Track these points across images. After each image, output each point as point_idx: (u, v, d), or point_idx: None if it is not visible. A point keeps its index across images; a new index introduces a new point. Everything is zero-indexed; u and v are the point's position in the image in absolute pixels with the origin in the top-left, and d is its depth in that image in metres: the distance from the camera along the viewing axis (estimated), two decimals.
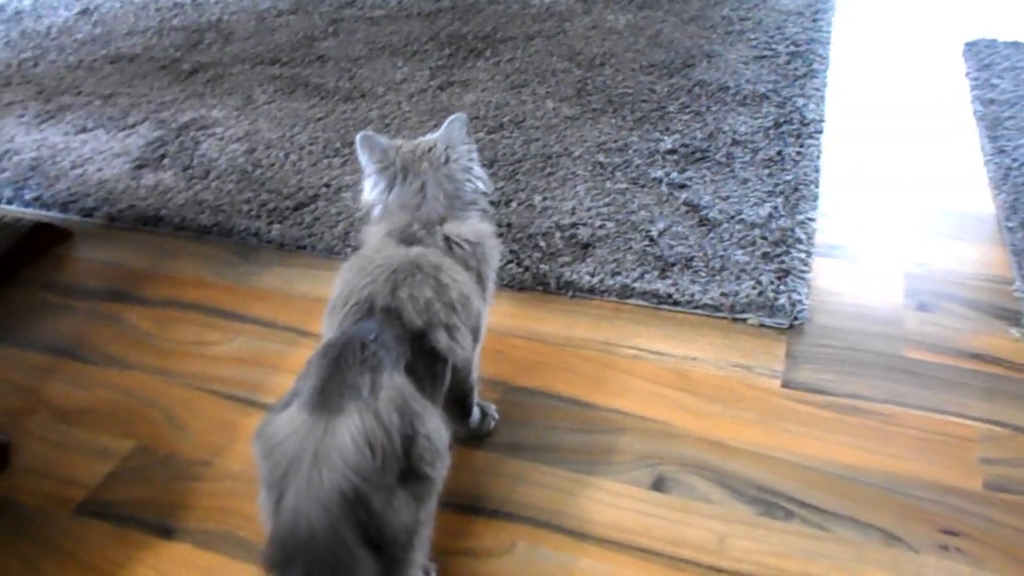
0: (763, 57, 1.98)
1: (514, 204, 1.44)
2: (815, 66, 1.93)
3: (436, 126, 1.60)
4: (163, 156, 1.63)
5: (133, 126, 1.76)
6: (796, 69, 1.91)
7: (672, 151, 1.59)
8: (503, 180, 1.51)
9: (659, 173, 1.51)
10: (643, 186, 1.48)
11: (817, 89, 1.83)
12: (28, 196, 1.51)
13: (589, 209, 1.41)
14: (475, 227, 0.90)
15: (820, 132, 1.66)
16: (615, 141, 1.63)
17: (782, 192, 1.44)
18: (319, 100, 1.85)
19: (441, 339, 0.80)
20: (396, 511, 0.67)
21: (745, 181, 1.48)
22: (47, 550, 0.91)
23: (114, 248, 1.38)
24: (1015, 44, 2.01)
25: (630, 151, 1.59)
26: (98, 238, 1.41)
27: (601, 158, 1.57)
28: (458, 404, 0.94)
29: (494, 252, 0.91)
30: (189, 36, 2.24)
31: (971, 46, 2.02)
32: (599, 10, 2.34)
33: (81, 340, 1.17)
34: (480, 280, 0.88)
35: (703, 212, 1.39)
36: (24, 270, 1.32)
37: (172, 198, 1.49)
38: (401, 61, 2.04)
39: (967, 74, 1.90)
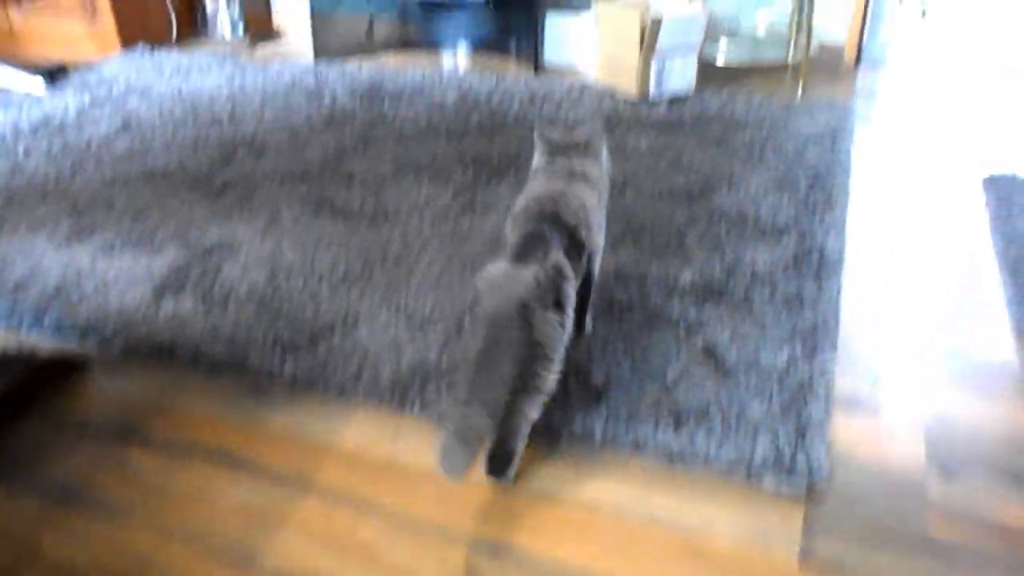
0: (783, 186, 1.99)
1: None
2: (835, 197, 1.93)
3: (454, 254, 1.62)
4: (185, 282, 1.65)
5: (159, 247, 1.79)
6: (816, 199, 1.91)
7: (690, 287, 1.58)
8: None
9: (675, 313, 1.50)
10: (660, 325, 1.47)
11: (837, 221, 1.82)
12: (48, 323, 1.53)
13: (605, 348, 1.40)
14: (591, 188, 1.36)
15: (840, 269, 1.64)
16: (633, 274, 1.63)
17: (801, 336, 1.42)
18: (344, 221, 1.88)
19: (583, 233, 1.25)
20: (543, 322, 1.11)
21: (763, 323, 1.47)
22: None
23: (128, 381, 1.39)
24: None
25: (648, 284, 1.59)
26: (114, 369, 1.42)
27: (619, 293, 1.57)
28: (581, 300, 1.34)
29: (605, 189, 1.44)
30: (223, 151, 2.31)
31: (991, 182, 2.02)
32: (622, 132, 2.38)
33: (86, 485, 1.17)
34: (601, 204, 1.38)
35: (720, 356, 1.37)
36: (39, 403, 1.33)
37: (189, 327, 1.51)
38: (426, 180, 2.08)
39: (987, 210, 1.89)
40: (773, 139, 2.27)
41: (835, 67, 2.95)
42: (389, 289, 1.61)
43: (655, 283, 1.59)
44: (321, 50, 3.16)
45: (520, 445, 1.15)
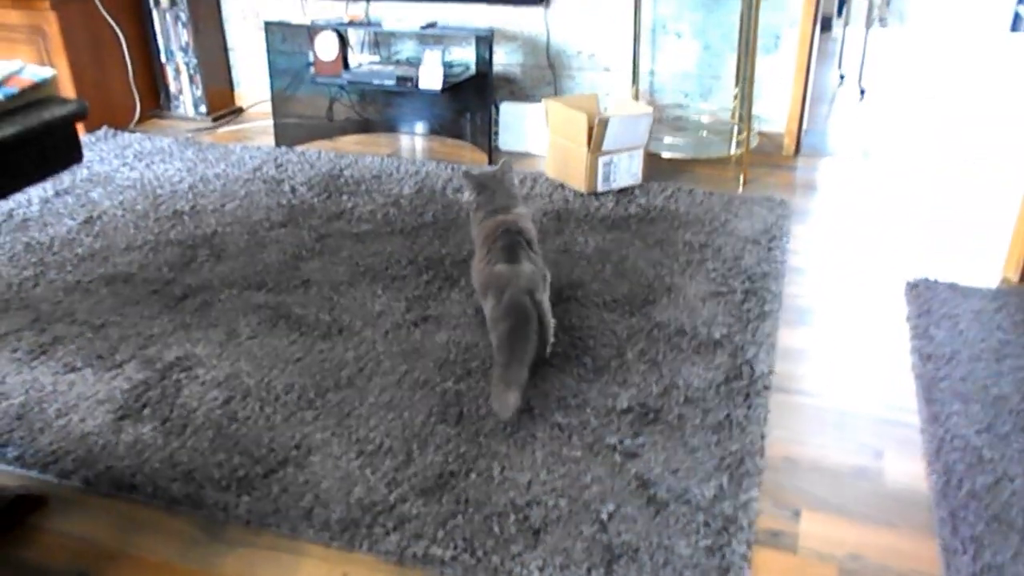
0: (720, 294, 2.11)
1: (473, 475, 1.51)
2: (767, 307, 2.05)
3: (408, 371, 1.70)
4: (145, 405, 1.71)
5: (120, 365, 1.85)
6: (750, 310, 2.03)
7: (627, 410, 1.68)
8: (466, 443, 1.59)
9: (613, 439, 1.59)
10: (597, 454, 1.56)
11: (768, 335, 1.94)
12: (11, 455, 1.58)
13: (544, 483, 1.49)
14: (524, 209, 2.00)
15: (768, 388, 1.75)
16: (574, 396, 1.72)
17: (728, 467, 1.52)
18: (299, 336, 1.96)
19: (534, 243, 1.86)
20: (544, 302, 1.73)
21: (694, 450, 1.56)
22: None
23: (86, 518, 1.44)
24: (952, 286, 2.15)
25: (587, 409, 1.68)
26: (72, 505, 1.48)
27: (560, 418, 1.66)
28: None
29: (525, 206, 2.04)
30: (184, 252, 2.37)
31: (912, 287, 2.15)
32: (571, 230, 2.49)
33: None
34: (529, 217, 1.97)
35: (652, 489, 1.46)
36: None
37: (149, 458, 1.57)
38: (380, 289, 2.16)
39: (907, 320, 2.02)
40: (712, 242, 2.39)
41: (776, 155, 3.10)
42: (341, 414, 1.68)
43: (594, 407, 1.68)
44: (282, 130, 3.24)
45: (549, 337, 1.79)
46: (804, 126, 3.15)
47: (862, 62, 4.02)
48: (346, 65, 3.12)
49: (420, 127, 3.44)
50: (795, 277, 2.23)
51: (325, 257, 2.34)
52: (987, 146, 3.26)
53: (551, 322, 1.78)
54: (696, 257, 2.31)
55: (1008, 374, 1.79)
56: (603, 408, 1.69)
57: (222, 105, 3.72)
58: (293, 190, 2.81)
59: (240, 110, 3.79)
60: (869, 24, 4.19)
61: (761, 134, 3.12)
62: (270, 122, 3.37)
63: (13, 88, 1.11)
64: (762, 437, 1.60)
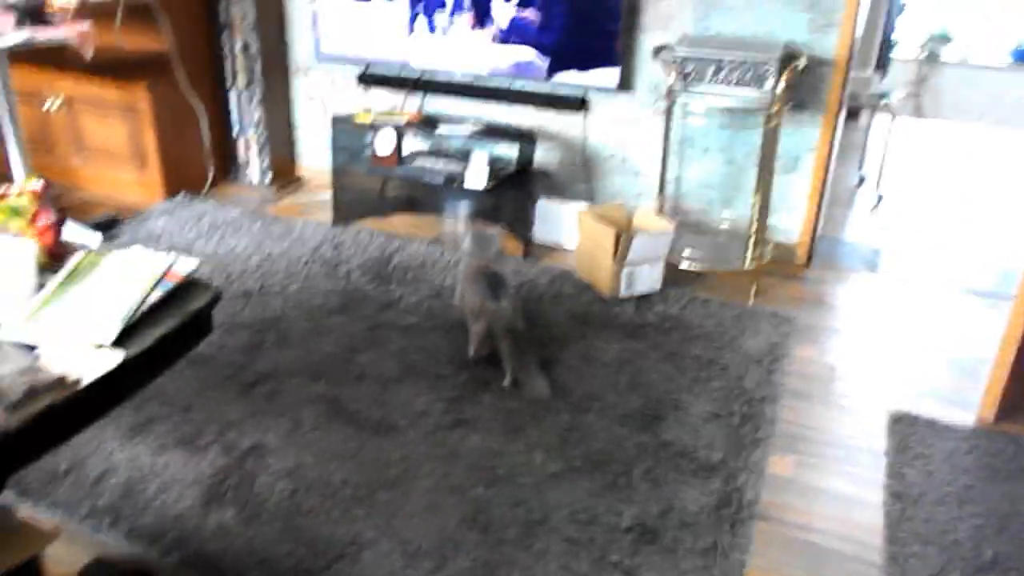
0: (720, 416, 2.40)
1: None
2: (760, 433, 2.34)
3: (444, 474, 2.00)
4: (226, 491, 2.04)
5: (204, 448, 2.19)
6: (745, 435, 2.32)
7: (630, 528, 1.98)
8: (491, 550, 1.90)
9: (616, 557, 1.89)
10: (601, 570, 1.86)
11: (758, 462, 2.23)
12: (122, 529, 1.92)
13: None
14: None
15: (752, 517, 2.05)
16: (585, 511, 2.03)
17: None
18: (354, 431, 2.28)
19: (510, 286, 2.55)
20: (519, 332, 2.48)
21: (684, 573, 1.86)
22: None
23: None
24: (931, 423, 2.42)
25: (596, 526, 1.99)
26: None
27: (572, 532, 1.97)
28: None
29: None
30: (253, 336, 2.71)
31: (895, 420, 2.43)
32: (592, 335, 2.80)
33: None
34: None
35: None
36: None
37: (231, 543, 1.90)
38: (424, 386, 2.48)
39: (885, 455, 2.30)
40: (720, 358, 2.69)
41: (789, 264, 3.39)
42: (389, 513, 2.00)
43: (602, 525, 1.99)
44: (339, 204, 3.57)
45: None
46: (817, 236, 3.44)
47: (881, 165, 4.28)
48: (400, 159, 3.46)
49: (462, 211, 3.77)
50: (791, 401, 2.52)
51: (376, 349, 2.67)
52: (999, 269, 3.52)
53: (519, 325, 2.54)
54: (703, 374, 2.61)
55: (966, 519, 2.06)
56: (608, 525, 1.99)
57: (285, 175, 4.09)
58: (348, 275, 3.15)
59: (299, 179, 4.15)
60: (896, 114, 4.36)
61: (776, 244, 3.41)
62: (327, 195, 3.72)
63: (171, 283, 1.45)
64: (742, 565, 1.90)
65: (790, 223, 3.43)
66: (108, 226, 3.45)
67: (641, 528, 1.99)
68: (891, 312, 3.10)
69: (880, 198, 4.24)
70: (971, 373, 2.70)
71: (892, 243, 3.73)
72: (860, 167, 4.54)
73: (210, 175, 3.96)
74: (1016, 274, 3.31)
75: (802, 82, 3.12)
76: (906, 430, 2.40)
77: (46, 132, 3.86)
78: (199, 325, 1.47)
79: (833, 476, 2.22)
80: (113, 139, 3.75)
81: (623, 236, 2.91)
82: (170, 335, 1.38)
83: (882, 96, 4.32)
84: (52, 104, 3.74)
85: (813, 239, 3.43)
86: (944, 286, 3.31)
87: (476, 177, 3.30)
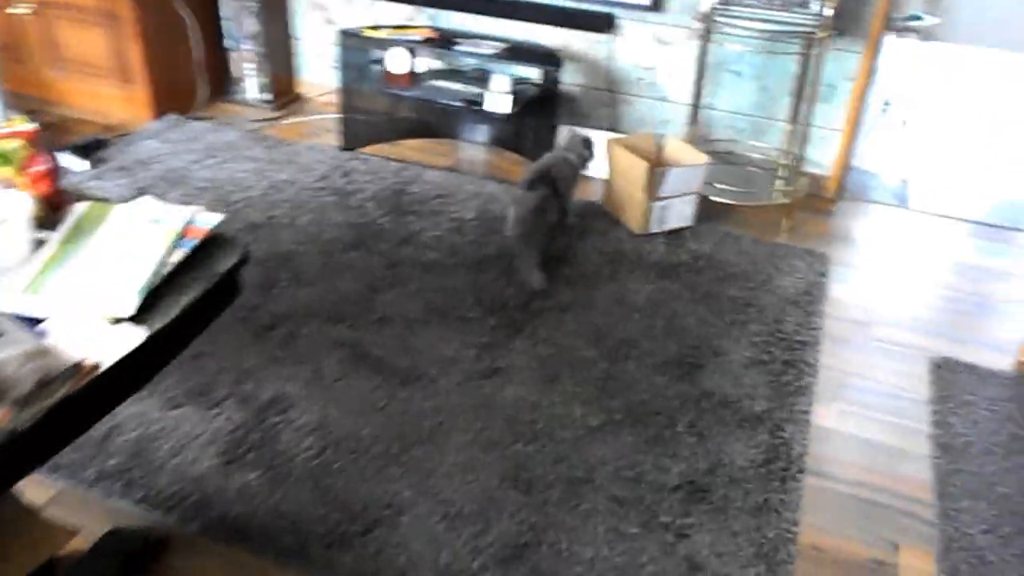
0: (762, 362, 2.30)
1: (544, 547, 1.73)
2: (804, 380, 2.24)
3: (481, 428, 1.90)
4: (248, 450, 1.93)
5: (219, 403, 2.06)
6: (788, 383, 2.23)
7: (678, 487, 1.89)
8: (536, 512, 1.81)
9: (666, 518, 1.81)
10: (652, 531, 1.78)
11: (804, 412, 2.14)
12: (136, 494, 1.80)
13: (606, 559, 1.71)
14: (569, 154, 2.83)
15: (802, 471, 1.96)
16: (630, 468, 1.93)
17: (766, 554, 1.74)
18: (381, 381, 2.16)
19: (560, 179, 2.70)
20: (547, 214, 2.61)
21: (736, 534, 1.78)
22: None
23: (204, 565, 1.67)
24: (972, 368, 2.33)
25: (642, 484, 1.89)
26: (191, 550, 1.70)
27: (618, 490, 1.87)
28: (562, 212, 2.76)
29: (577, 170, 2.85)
30: (265, 273, 2.55)
31: (936, 366, 2.34)
32: (624, 276, 2.66)
33: None
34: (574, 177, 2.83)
35: (700, 574, 1.69)
36: None
37: (258, 507, 1.79)
38: (451, 331, 2.35)
39: (929, 403, 2.21)
40: (756, 300, 2.57)
41: (818, 198, 3.25)
42: (424, 472, 1.90)
43: (648, 484, 1.89)
44: (347, 128, 3.35)
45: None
46: (848, 172, 3.28)
47: (907, 90, 4.09)
48: (414, 79, 3.23)
49: (480, 137, 3.57)
50: (830, 346, 2.41)
51: (397, 289, 2.53)
52: None
53: (553, 222, 2.67)
54: (740, 317, 2.49)
55: (1014, 471, 2.00)
56: (656, 483, 1.90)
57: (284, 92, 3.84)
58: (361, 206, 2.97)
59: (298, 96, 3.90)
60: (924, 38, 4.18)
61: (805, 174, 3.25)
62: (333, 116, 3.50)
63: (194, 240, 1.29)
64: (795, 524, 1.82)
65: (822, 155, 3.27)
66: (92, 149, 3.22)
67: (690, 486, 1.90)
68: (924, 249, 2.98)
69: (904, 123, 4.06)
70: (1006, 315, 2.60)
71: (920, 174, 3.57)
72: (883, 92, 4.34)
73: (202, 92, 3.71)
74: None
75: (845, 6, 2.90)
76: (948, 376, 2.32)
77: (18, 40, 3.57)
78: (227, 289, 1.31)
79: (878, 426, 2.13)
80: (93, 50, 3.48)
81: (656, 170, 2.74)
82: (196, 304, 1.22)
83: (914, 18, 4.09)
84: (22, 8, 3.44)
85: (844, 173, 3.27)
86: (976, 221, 3.18)
87: (497, 101, 3.09)
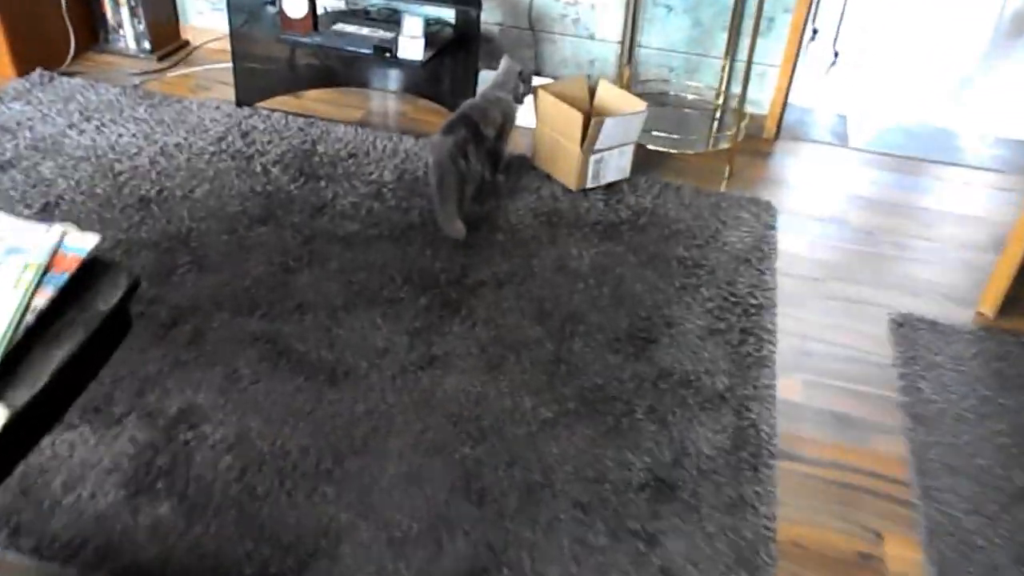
0: (718, 331, 2.15)
1: (506, 570, 1.55)
2: (764, 349, 2.11)
3: (422, 430, 1.69)
4: (156, 477, 1.67)
5: (119, 420, 1.78)
6: (748, 354, 2.09)
7: (644, 486, 1.73)
8: (493, 528, 1.62)
9: (635, 525, 1.65)
10: (620, 540, 1.62)
11: (768, 386, 2.01)
12: (26, 545, 1.53)
13: None
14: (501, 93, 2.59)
15: (774, 456, 1.83)
16: (590, 465, 1.76)
17: (745, 560, 1.60)
18: (305, 381, 1.91)
19: (484, 122, 2.42)
20: (463, 164, 2.32)
21: (711, 536, 1.64)
22: None
23: None
24: (933, 324, 2.24)
25: (606, 484, 1.73)
26: None
27: (580, 494, 1.70)
28: (493, 159, 2.50)
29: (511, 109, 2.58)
30: (161, 257, 2.24)
31: (897, 325, 2.24)
32: (563, 239, 2.46)
33: None
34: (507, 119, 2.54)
35: None
36: None
37: (174, 546, 1.54)
38: (379, 316, 2.11)
39: (894, 366, 2.11)
40: (705, 259, 2.41)
41: (756, 139, 3.09)
42: (363, 488, 1.68)
43: (612, 484, 1.73)
44: (242, 80, 2.99)
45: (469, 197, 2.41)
46: (785, 110, 3.13)
47: (841, 16, 3.94)
48: (315, 23, 2.88)
49: (393, 85, 3.26)
50: (786, 308, 2.28)
51: (314, 269, 2.26)
52: (982, 134, 3.32)
53: (474, 172, 2.38)
54: (691, 282, 2.33)
55: (989, 440, 1.92)
56: (620, 483, 1.73)
57: (168, 39, 3.42)
58: (266, 171, 2.66)
59: (186, 43, 3.49)
60: None
61: (743, 114, 3.08)
62: (225, 66, 3.12)
63: (63, 274, 1.00)
64: (772, 519, 1.69)
65: (759, 93, 3.10)
66: None
67: (657, 483, 1.74)
68: (870, 192, 2.86)
69: (836, 55, 3.93)
70: (963, 264, 2.52)
71: (857, 108, 3.45)
72: (813, 20, 4.18)
73: (73, 43, 3.25)
74: (1001, 143, 3.13)
75: None
76: (910, 335, 2.22)
77: None
78: (114, 328, 1.04)
79: (846, 397, 2.02)
80: None
81: (593, 122, 2.51)
82: (75, 357, 0.95)
83: None
84: None
85: (783, 112, 3.12)
86: (924, 158, 3.09)
87: (411, 46, 2.79)
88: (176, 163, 2.66)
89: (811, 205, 2.76)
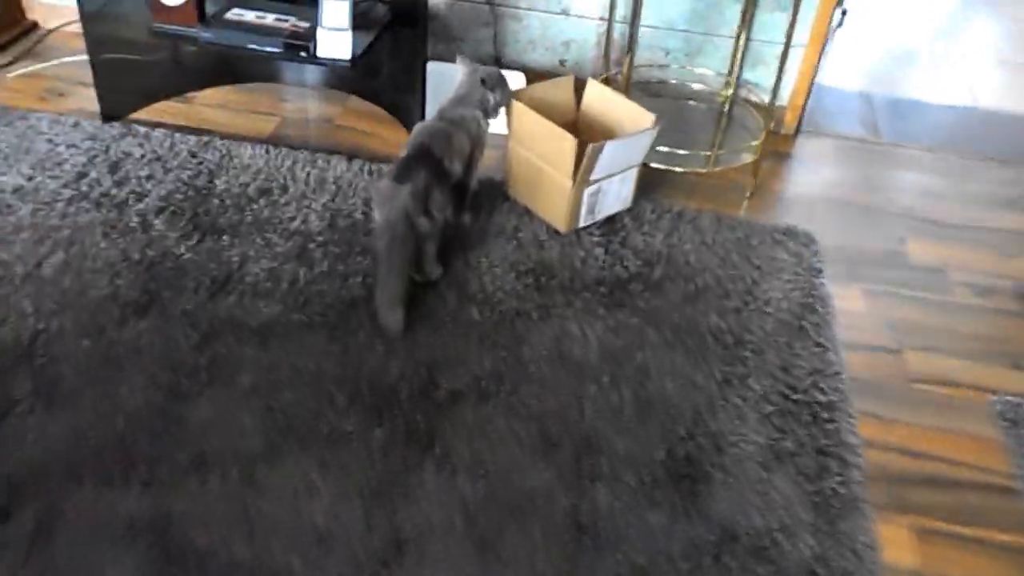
0: (786, 454, 1.58)
1: None
2: (852, 487, 1.55)
3: None
4: None
5: None
6: (832, 495, 1.53)
7: None
8: None
9: None
10: None
11: (868, 547, 1.45)
12: None
13: None
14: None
15: None
16: None
17: None
18: None
19: (447, 164, 1.78)
20: (422, 224, 1.71)
21: None
22: None
23: None
24: None
25: None
26: None
27: None
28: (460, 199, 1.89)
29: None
30: None
31: (1011, 424, 1.70)
32: (559, 310, 1.84)
33: None
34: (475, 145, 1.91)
35: None
36: None
37: None
38: (316, 472, 1.47)
39: (1010, 454, 1.58)
40: (746, 330, 1.83)
41: (775, 137, 2.48)
42: None
43: None
44: (106, 82, 2.21)
45: (428, 271, 1.81)
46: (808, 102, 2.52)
47: None
48: (202, 12, 2.12)
49: (311, 76, 2.53)
50: (862, 403, 1.71)
51: (217, 391, 1.59)
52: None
53: (431, 234, 1.76)
54: (736, 370, 1.74)
55: None
56: None
57: (8, 24, 2.59)
58: (145, 224, 1.95)
59: (34, 25, 2.67)
60: None
61: (752, 103, 2.46)
62: (83, 58, 2.33)
63: None
64: None
65: (770, 80, 2.47)
66: None
67: None
68: (925, 210, 2.30)
69: (844, 14, 3.31)
70: None
71: (879, 84, 2.86)
72: None
73: None
74: None
75: None
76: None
77: None
78: None
79: (988, 560, 1.48)
80: None
81: (590, 149, 1.86)
82: None
83: None
84: None
85: (806, 103, 2.51)
86: (982, 155, 2.52)
87: (334, 41, 2.06)
88: (16, 219, 1.92)
89: (857, 232, 2.19)
